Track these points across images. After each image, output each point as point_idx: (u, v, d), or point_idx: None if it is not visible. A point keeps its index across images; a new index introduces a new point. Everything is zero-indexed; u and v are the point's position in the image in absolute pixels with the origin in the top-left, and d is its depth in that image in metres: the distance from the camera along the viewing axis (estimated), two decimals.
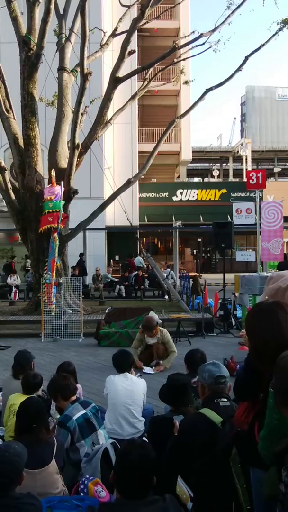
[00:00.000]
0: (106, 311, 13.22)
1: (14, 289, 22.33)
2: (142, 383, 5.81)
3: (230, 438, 3.48)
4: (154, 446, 4.63)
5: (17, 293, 22.22)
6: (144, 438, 5.08)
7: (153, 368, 9.10)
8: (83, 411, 4.84)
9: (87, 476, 4.31)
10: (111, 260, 31.87)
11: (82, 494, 4.17)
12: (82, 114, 17.05)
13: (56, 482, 4.09)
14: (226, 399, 3.81)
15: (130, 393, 5.65)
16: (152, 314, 10.77)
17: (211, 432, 3.63)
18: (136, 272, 23.72)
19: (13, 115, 17.11)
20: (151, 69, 20.10)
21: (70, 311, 14.70)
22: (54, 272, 15.25)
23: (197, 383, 4.12)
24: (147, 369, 9.07)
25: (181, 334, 11.89)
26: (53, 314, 13.19)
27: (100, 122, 17.59)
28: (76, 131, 15.79)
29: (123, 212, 20.84)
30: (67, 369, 5.96)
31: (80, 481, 4.26)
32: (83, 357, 10.67)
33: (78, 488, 4.22)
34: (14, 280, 23.09)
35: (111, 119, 18.34)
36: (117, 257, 32.41)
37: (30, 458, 3.95)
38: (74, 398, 4.89)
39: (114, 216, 29.54)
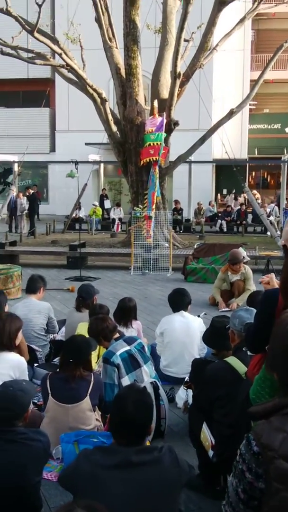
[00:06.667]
0: (195, 246, 13.02)
1: (117, 221, 22.65)
2: (198, 321, 5.69)
3: None
4: (195, 388, 4.59)
5: (119, 225, 22.51)
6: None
7: (230, 306, 8.91)
8: (127, 347, 4.78)
9: None
10: (218, 194, 31.23)
11: None
12: (186, 41, 16.34)
13: (89, 419, 4.12)
14: None
15: (186, 330, 5.56)
16: (240, 249, 10.46)
17: (234, 382, 3.45)
18: (240, 206, 23.14)
19: (116, 44, 16.78)
20: None
21: (167, 244, 14.64)
22: (154, 205, 15.15)
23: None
24: (224, 308, 8.91)
25: (270, 273, 11.41)
26: (144, 247, 13.17)
27: (203, 48, 16.79)
28: (178, 59, 15.18)
29: (232, 145, 20.06)
30: (127, 305, 5.94)
31: None
32: (166, 291, 10.49)
33: None
34: (118, 212, 23.41)
35: (217, 45, 17.43)
36: (224, 191, 31.68)
37: (65, 393, 4.04)
38: (116, 335, 4.83)
39: (222, 148, 28.59)
